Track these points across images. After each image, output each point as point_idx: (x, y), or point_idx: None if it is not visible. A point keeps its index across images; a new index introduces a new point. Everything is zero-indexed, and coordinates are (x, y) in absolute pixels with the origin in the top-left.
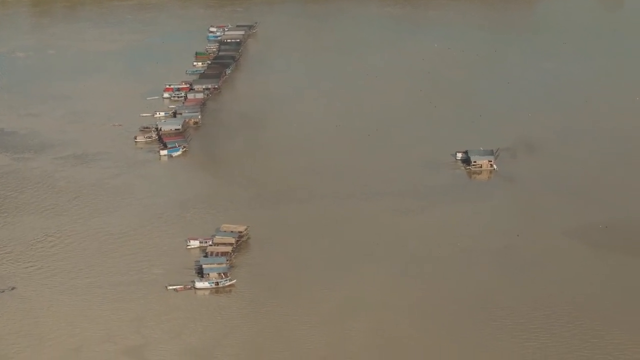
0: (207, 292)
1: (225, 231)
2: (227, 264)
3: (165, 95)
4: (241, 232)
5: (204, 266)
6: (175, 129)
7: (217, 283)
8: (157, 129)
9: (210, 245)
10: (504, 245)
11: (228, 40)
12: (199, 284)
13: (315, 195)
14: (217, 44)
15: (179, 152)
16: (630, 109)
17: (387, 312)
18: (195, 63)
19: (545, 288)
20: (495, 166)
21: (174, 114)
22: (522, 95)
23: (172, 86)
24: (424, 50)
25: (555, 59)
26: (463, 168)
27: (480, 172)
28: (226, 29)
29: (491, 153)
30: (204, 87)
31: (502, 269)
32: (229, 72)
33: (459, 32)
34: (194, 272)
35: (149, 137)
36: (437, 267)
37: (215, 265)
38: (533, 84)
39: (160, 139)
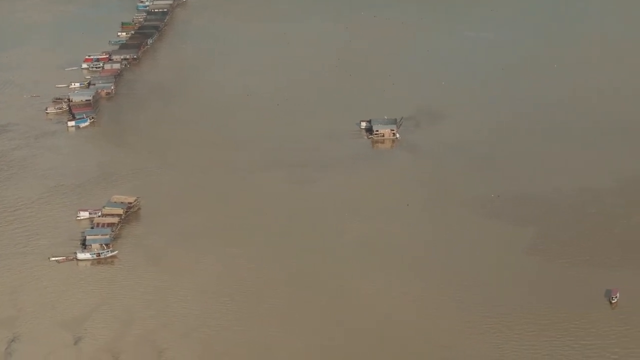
0: (88, 264)
1: (115, 202)
2: (110, 235)
3: (84, 65)
4: (130, 203)
5: (87, 237)
6: (86, 100)
7: (98, 254)
8: (68, 99)
9: (99, 216)
10: (394, 215)
11: (155, 10)
12: (80, 255)
13: (215, 165)
14: (145, 14)
15: (87, 123)
16: (547, 77)
17: (264, 283)
18: (119, 33)
19: (424, 256)
20: (397, 135)
21: (89, 85)
22: (440, 63)
23: (91, 57)
24: (351, 19)
25: (480, 28)
26: (366, 137)
27: (382, 141)
28: None
29: (394, 122)
30: (122, 57)
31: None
32: (151, 42)
33: (389, 1)
34: (79, 243)
35: (60, 108)
36: (315, 240)
37: (99, 237)
38: (453, 53)
39: (70, 109)
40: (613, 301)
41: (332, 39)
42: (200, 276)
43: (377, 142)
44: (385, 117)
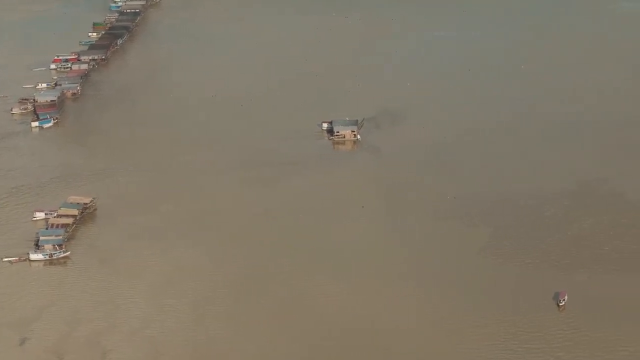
0: (41, 264)
1: (71, 203)
2: (64, 236)
3: (52, 66)
4: (86, 203)
5: (40, 238)
6: (51, 101)
7: (51, 255)
8: (33, 100)
9: (54, 217)
10: (348, 217)
11: (127, 11)
12: (33, 256)
13: (175, 166)
14: (117, 14)
15: (50, 124)
16: (513, 77)
17: (214, 285)
18: (90, 34)
19: (373, 258)
20: (359, 136)
21: (55, 86)
22: (407, 64)
23: (60, 57)
24: (321, 19)
25: (451, 29)
26: (327, 138)
27: (343, 143)
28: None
29: (355, 123)
30: (90, 58)
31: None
32: (121, 42)
33: (361, 1)
34: (33, 244)
35: (25, 109)
36: (269, 242)
37: (52, 237)
38: (421, 53)
39: (34, 110)
40: (561, 304)
41: (302, 40)
42: (150, 278)
43: (337, 143)
44: (347, 118)
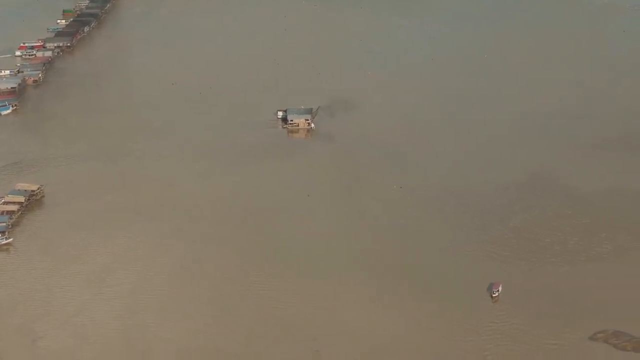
0: None
1: (18, 190)
2: (8, 223)
3: (18, 53)
4: (33, 191)
5: None
6: (11, 88)
7: None
8: None
9: (1, 204)
10: (294, 206)
11: None
12: None
13: (127, 154)
14: (88, 1)
15: (9, 111)
16: (475, 69)
17: (149, 274)
18: (59, 20)
19: (314, 249)
20: (312, 125)
21: (17, 73)
22: (371, 53)
23: (26, 44)
24: (290, 8)
25: (417, 18)
26: (281, 127)
27: (297, 131)
28: None
29: (309, 112)
30: (55, 45)
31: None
32: (88, 30)
33: None
34: None
35: None
36: (212, 231)
37: None
38: (386, 43)
39: None
40: (494, 295)
41: (269, 28)
42: (89, 265)
43: (292, 131)
44: (302, 107)
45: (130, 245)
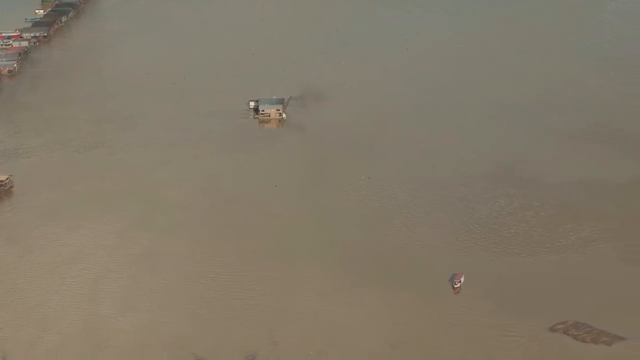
0: None
1: None
2: None
3: None
4: (2, 180)
5: None
6: None
7: None
8: None
9: None
10: (261, 197)
11: None
12: None
13: (97, 144)
14: None
15: None
16: (449, 58)
17: (107, 263)
18: (37, 10)
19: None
20: (284, 115)
21: None
22: (347, 43)
23: (3, 34)
24: None
25: (393, 9)
26: (253, 117)
27: (268, 121)
28: None
29: (281, 102)
30: (32, 35)
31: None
32: (65, 20)
33: None
34: None
35: None
36: (172, 216)
37: None
38: (363, 33)
39: None
40: (456, 286)
41: (246, 18)
42: (54, 256)
43: (263, 122)
44: (274, 97)
45: (95, 236)
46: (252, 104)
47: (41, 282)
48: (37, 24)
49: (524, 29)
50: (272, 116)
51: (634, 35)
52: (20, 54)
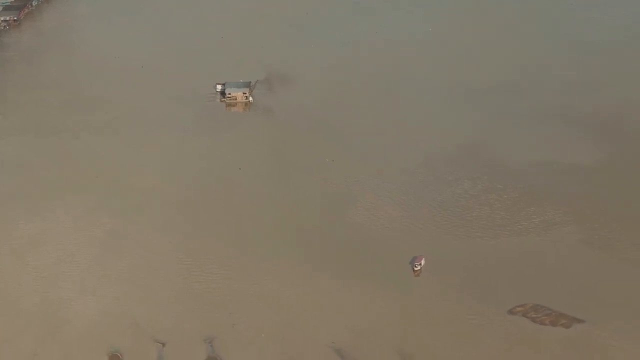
0: None
1: None
2: None
3: None
4: None
5: None
6: None
7: None
8: None
9: None
10: (225, 180)
11: None
12: None
13: (63, 128)
14: None
15: None
16: (416, 41)
17: (67, 246)
18: None
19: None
20: (250, 98)
21: None
22: (315, 26)
23: None
24: None
25: None
26: (219, 100)
27: (235, 104)
28: None
29: (247, 85)
30: (2, 19)
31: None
32: (36, 4)
33: None
34: None
35: None
36: (135, 200)
37: None
38: (332, 15)
39: None
40: (416, 269)
41: (221, 3)
42: (15, 239)
43: (229, 105)
44: (240, 80)
45: (58, 219)
46: (219, 87)
47: (1, 265)
48: (7, 7)
49: (492, 10)
50: (239, 99)
51: (603, 18)
52: None
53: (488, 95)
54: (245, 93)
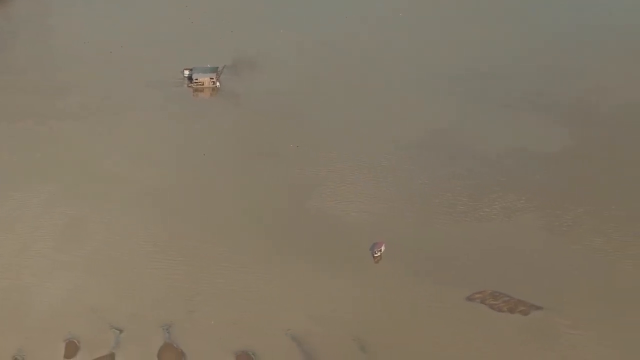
0: None
1: None
2: None
3: None
4: None
5: None
6: None
7: None
8: None
9: None
10: (189, 165)
11: None
12: None
13: (31, 113)
14: None
15: None
16: (388, 26)
17: (31, 232)
18: None
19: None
20: (218, 83)
21: None
22: (285, 11)
23: None
24: None
25: None
26: (187, 85)
27: (202, 90)
28: None
29: (215, 70)
30: None
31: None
32: None
33: None
34: None
35: None
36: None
37: None
38: (303, 1)
39: None
40: (376, 255)
41: None
42: None
43: (197, 90)
44: (208, 66)
45: (21, 205)
46: (186, 72)
47: None
48: None
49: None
50: (206, 85)
51: (587, 5)
52: None
53: (456, 80)
54: (212, 78)
